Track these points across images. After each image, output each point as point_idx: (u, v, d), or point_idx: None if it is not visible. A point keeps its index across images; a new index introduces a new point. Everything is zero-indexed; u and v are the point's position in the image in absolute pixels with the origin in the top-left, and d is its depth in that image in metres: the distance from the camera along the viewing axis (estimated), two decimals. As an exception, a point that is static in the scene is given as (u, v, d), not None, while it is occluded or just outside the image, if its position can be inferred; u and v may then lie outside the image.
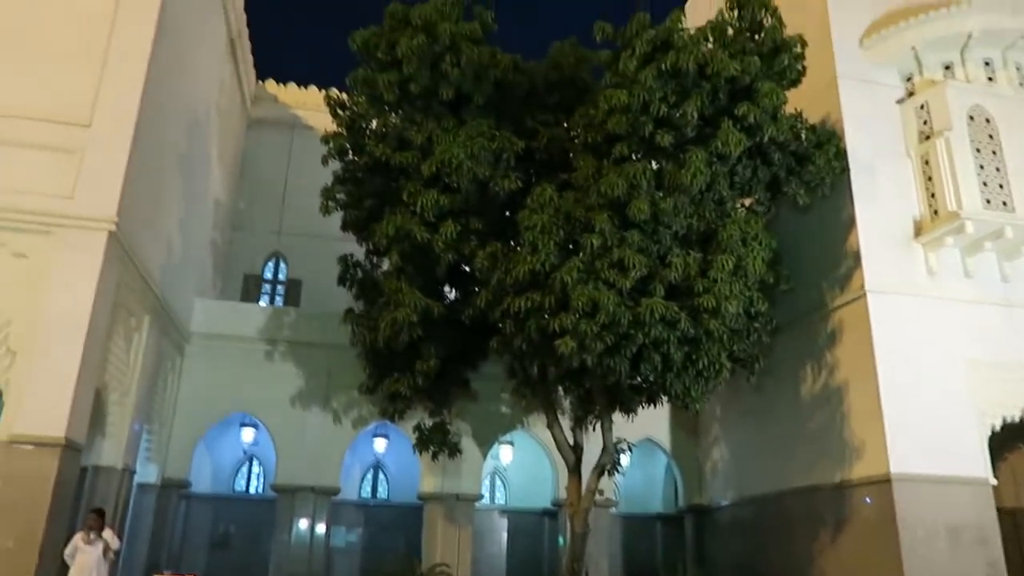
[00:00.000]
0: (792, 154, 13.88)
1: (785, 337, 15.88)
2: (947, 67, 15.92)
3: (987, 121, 15.11)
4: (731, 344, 12.98)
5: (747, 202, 14.37)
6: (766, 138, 12.99)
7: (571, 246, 12.80)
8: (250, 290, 23.66)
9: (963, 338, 14.26)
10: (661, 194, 12.55)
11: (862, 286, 14.27)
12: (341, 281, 16.35)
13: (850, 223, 14.83)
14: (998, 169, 14.72)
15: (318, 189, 15.71)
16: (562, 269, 12.13)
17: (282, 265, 24.36)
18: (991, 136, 15.00)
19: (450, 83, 14.11)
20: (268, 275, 24.27)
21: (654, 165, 13.03)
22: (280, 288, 24.09)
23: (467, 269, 14.81)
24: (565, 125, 15.32)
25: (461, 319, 14.42)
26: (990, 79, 15.84)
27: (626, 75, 13.03)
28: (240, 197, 24.42)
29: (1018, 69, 16.10)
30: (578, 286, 11.95)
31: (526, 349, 13.33)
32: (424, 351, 14.71)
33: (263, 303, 23.37)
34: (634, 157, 13.13)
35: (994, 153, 14.85)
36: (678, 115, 12.71)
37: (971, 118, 15.06)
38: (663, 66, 12.51)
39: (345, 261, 16.41)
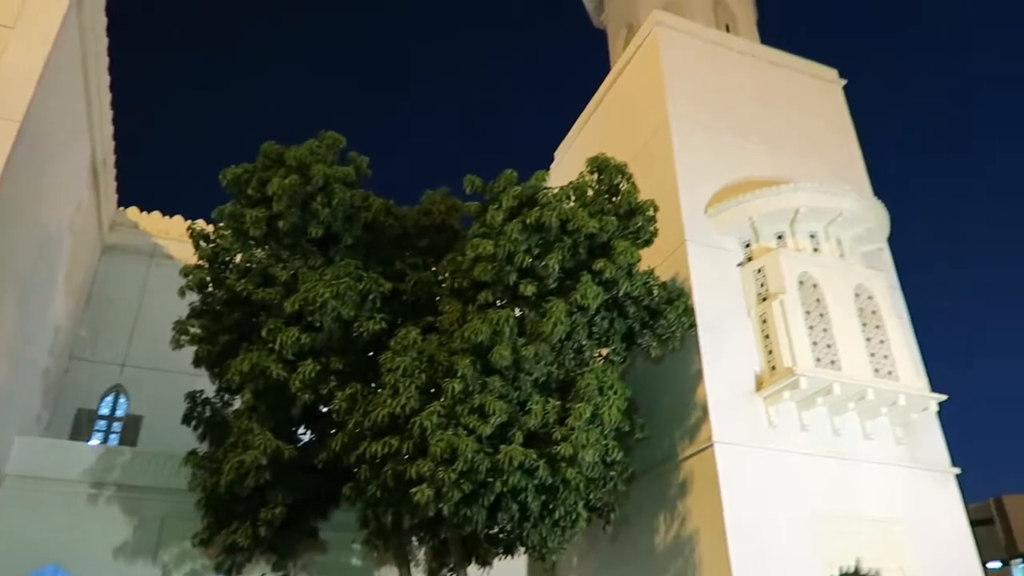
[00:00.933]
0: (646, 308, 14.70)
1: (640, 486, 16.12)
2: (780, 236, 17.69)
3: (814, 286, 16.71)
4: (588, 493, 13.03)
5: (604, 352, 14.93)
6: (622, 292, 13.75)
7: (433, 390, 12.73)
8: (82, 426, 21.66)
9: (802, 489, 14.99)
10: (523, 341, 12.86)
11: (709, 437, 14.88)
12: (187, 419, 15.33)
13: (698, 376, 15.65)
14: (825, 330, 16.16)
15: (171, 321, 15.00)
16: (422, 414, 11.98)
17: (122, 400, 22.58)
18: (818, 300, 16.56)
19: (320, 223, 14.21)
20: (105, 410, 22.38)
21: (517, 313, 13.42)
22: (117, 425, 22.20)
23: (324, 410, 14.31)
24: (433, 269, 15.64)
25: (314, 463, 13.74)
26: (816, 250, 17.68)
27: (493, 226, 13.62)
28: (83, 324, 22.83)
29: (839, 242, 18.10)
30: (437, 431, 11.79)
31: (381, 496, 12.80)
32: (271, 497, 13.80)
33: (95, 441, 21.39)
34: (498, 304, 13.51)
35: (821, 316, 16.35)
36: (541, 267, 13.31)
37: (801, 283, 16.63)
38: (528, 220, 13.21)
39: (193, 398, 15.48)
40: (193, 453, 14.82)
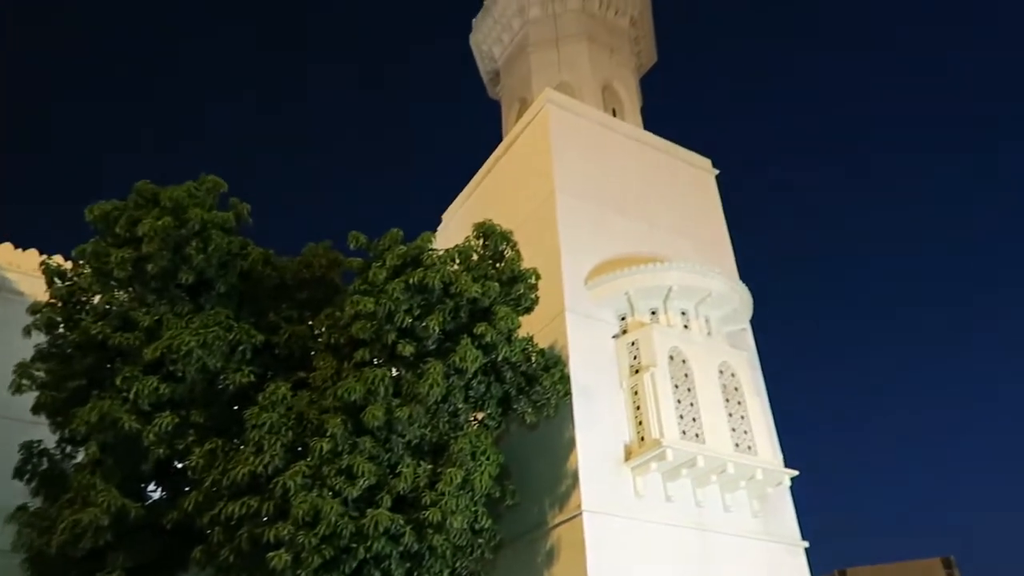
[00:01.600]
0: (523, 374, 14.83)
1: (508, 554, 15.93)
2: (653, 312, 18.42)
3: (683, 362, 17.44)
4: (454, 561, 12.75)
5: (479, 416, 14.88)
6: (500, 357, 13.84)
7: (300, 449, 12.23)
8: None
9: (666, 559, 15.29)
10: (398, 402, 12.64)
11: (579, 505, 15.00)
12: (19, 473, 13.95)
13: (571, 444, 15.84)
14: (692, 405, 16.82)
15: (12, 363, 13.75)
16: (286, 473, 11.46)
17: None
18: (686, 375, 17.27)
19: (193, 268, 13.60)
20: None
21: (394, 373, 13.22)
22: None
23: (179, 466, 13.41)
24: (310, 324, 15.21)
25: (163, 523, 12.78)
26: (686, 326, 18.52)
27: (375, 284, 13.49)
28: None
29: (707, 321, 19.05)
30: (301, 492, 11.29)
31: (234, 561, 12.00)
32: (110, 560, 12.66)
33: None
34: (375, 363, 13.27)
35: (689, 390, 17.03)
36: (421, 327, 13.24)
37: (671, 358, 17.32)
38: (411, 280, 13.17)
39: (29, 448, 14.13)
40: (22, 508, 13.45)
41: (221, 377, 12.98)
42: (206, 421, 13.01)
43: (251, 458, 11.66)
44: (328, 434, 11.83)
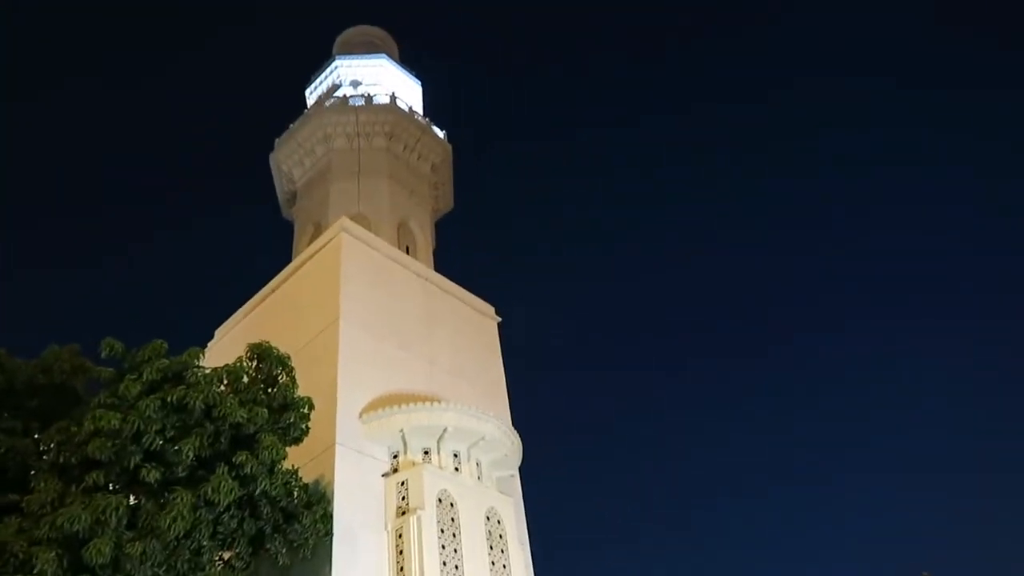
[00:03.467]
0: (282, 510, 13.80)
1: None
2: (426, 452, 18.21)
3: (451, 505, 17.22)
4: None
5: (226, 556, 13.48)
6: (259, 490, 12.83)
7: (-5, 588, 10.25)
8: None
9: None
10: (131, 536, 11.16)
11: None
12: None
13: (326, 590, 14.73)
14: (456, 551, 16.49)
15: None
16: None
17: None
18: (453, 519, 17.01)
19: None
20: None
21: (131, 501, 11.73)
22: None
23: None
24: (36, 437, 13.26)
25: None
26: (457, 469, 18.45)
27: (126, 398, 12.21)
28: None
29: (478, 464, 19.15)
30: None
31: None
32: None
33: None
34: (110, 488, 11.71)
35: (454, 535, 16.73)
36: (173, 451, 12.04)
37: (440, 500, 17.04)
38: (169, 398, 12.09)
39: None
40: None
41: (-96, 495, 10.76)
42: None
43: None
44: (36, 571, 10.05)
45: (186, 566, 11.91)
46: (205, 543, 12.24)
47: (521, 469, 20.86)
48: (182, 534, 11.66)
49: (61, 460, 12.21)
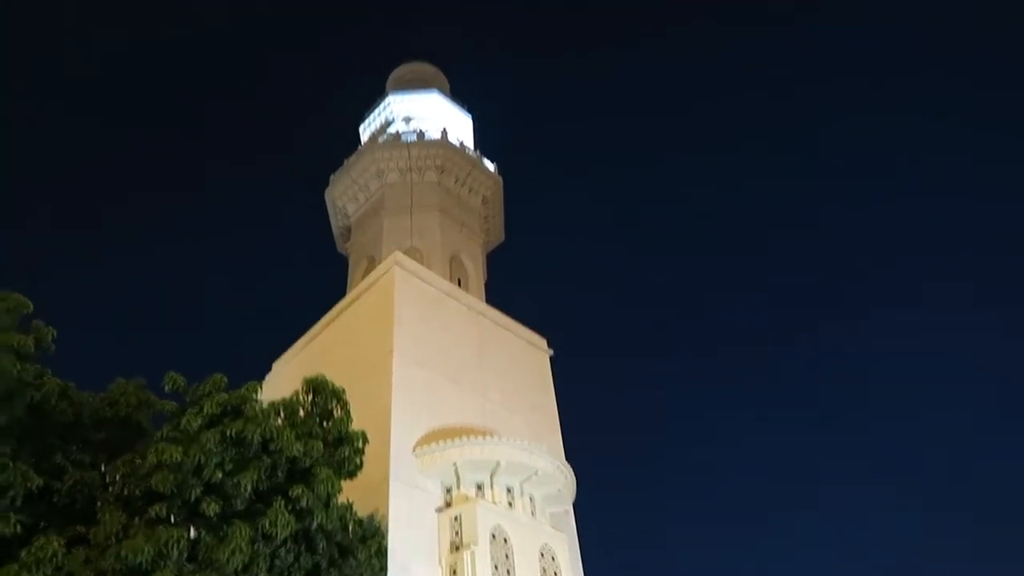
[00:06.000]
0: (337, 545, 13.81)
1: None
2: (479, 486, 18.13)
3: (505, 541, 17.05)
4: None
5: (283, 590, 13.54)
6: (315, 524, 12.87)
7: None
8: None
9: None
10: (192, 568, 11.31)
11: None
12: None
13: (380, 625, 14.66)
14: (511, 588, 16.29)
15: None
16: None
17: None
18: (507, 556, 16.83)
19: (-29, 395, 11.93)
20: None
21: (192, 534, 11.89)
22: None
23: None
24: (102, 470, 13.57)
25: None
26: (510, 504, 18.30)
27: (187, 432, 12.43)
28: None
29: (531, 499, 18.96)
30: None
31: None
32: None
33: None
34: (172, 521, 11.89)
35: (508, 572, 16.54)
36: (232, 484, 12.17)
37: (493, 536, 16.90)
38: (228, 432, 12.26)
39: None
40: None
41: (-21, 525, 11.09)
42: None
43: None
44: (101, 603, 10.25)
45: (244, 600, 11.99)
46: (262, 576, 12.31)
47: (575, 504, 20.59)
48: (241, 567, 11.74)
49: (126, 492, 12.46)
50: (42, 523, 12.24)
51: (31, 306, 13.55)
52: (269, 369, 24.16)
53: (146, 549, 10.89)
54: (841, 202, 68.09)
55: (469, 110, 33.16)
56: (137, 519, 12.00)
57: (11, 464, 11.71)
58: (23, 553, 10.83)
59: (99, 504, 12.74)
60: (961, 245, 62.48)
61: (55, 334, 13.78)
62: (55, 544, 11.00)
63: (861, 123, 66.70)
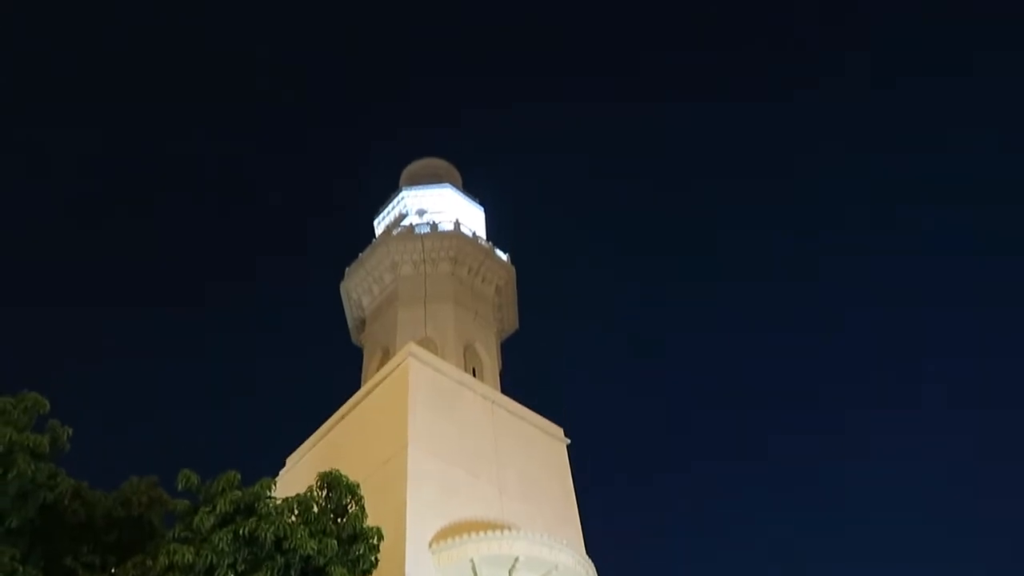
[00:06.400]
0: (353, 647, 13.34)
1: None
2: (497, 583, 17.55)
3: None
4: None
5: None
6: (328, 628, 12.47)
7: None
8: None
9: None
10: (200, 678, 10.89)
11: None
12: None
13: None
14: None
15: None
16: None
17: None
18: (528, 658, 16.11)
19: (-16, 496, 11.87)
20: None
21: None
22: None
23: None
24: (113, 572, 13.32)
25: None
26: (532, 602, 17.64)
27: (199, 531, 12.23)
28: None
29: (551, 597, 18.27)
30: None
31: None
32: None
33: None
34: (183, 627, 11.57)
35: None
36: (244, 585, 11.86)
37: (514, 640, 16.23)
38: (241, 531, 12.05)
39: None
40: None
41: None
42: None
43: None
44: None
45: None
46: None
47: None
48: (251, 676, 11.33)
49: (135, 596, 12.18)
50: (49, 630, 11.95)
51: (48, 406, 13.63)
52: (283, 464, 23.88)
53: (155, 656, 10.55)
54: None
55: (481, 203, 33.86)
56: (147, 624, 11.68)
57: (20, 568, 11.53)
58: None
59: (108, 609, 12.46)
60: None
61: (71, 433, 13.81)
62: (61, 653, 10.68)
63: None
